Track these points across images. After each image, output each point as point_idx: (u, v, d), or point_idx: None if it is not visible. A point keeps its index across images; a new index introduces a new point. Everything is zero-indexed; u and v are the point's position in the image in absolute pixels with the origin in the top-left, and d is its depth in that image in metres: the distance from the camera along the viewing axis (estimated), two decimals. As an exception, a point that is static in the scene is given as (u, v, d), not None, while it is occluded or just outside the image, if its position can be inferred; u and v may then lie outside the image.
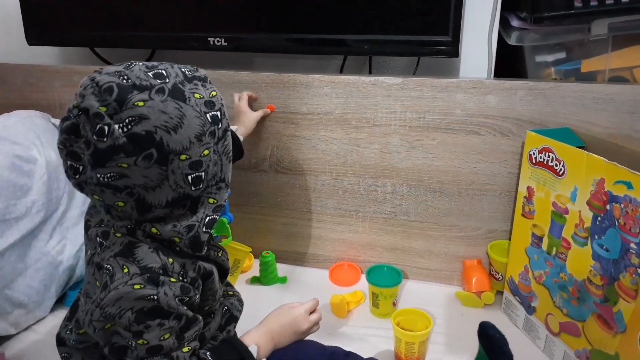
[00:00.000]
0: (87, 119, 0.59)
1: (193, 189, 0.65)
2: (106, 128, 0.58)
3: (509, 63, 1.16)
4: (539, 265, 0.96)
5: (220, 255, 0.79)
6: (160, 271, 0.66)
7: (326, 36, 1.11)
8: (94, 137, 0.59)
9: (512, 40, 1.08)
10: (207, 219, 0.68)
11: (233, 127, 1.10)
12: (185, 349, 0.69)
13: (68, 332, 0.77)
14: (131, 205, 0.64)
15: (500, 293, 1.12)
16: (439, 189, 1.15)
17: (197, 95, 0.64)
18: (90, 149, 0.60)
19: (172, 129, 0.61)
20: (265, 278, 1.22)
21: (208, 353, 0.72)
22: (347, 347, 0.99)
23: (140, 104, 0.59)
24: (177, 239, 0.67)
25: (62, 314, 1.11)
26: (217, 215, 0.69)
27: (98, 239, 0.70)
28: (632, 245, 0.76)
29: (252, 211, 1.29)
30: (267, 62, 1.36)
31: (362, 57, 1.25)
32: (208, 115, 0.65)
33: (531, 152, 0.95)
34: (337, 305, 1.10)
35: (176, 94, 0.62)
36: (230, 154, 0.70)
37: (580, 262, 0.86)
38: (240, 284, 1.23)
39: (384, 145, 1.15)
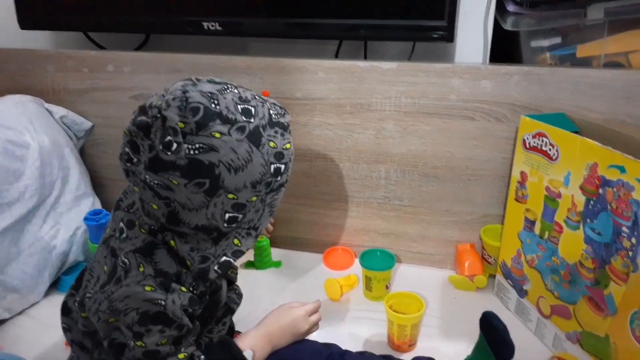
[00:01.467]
0: (162, 127, 0.58)
1: (225, 225, 0.64)
2: (175, 145, 0.58)
3: (505, 48, 1.16)
4: (532, 249, 0.97)
5: (230, 273, 0.81)
6: (174, 278, 0.65)
7: (321, 21, 1.10)
8: (160, 146, 0.58)
9: (507, 25, 1.08)
10: (223, 258, 0.66)
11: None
12: (181, 355, 0.68)
13: (75, 303, 0.76)
14: (163, 213, 0.63)
15: (492, 276, 1.13)
16: (433, 174, 1.15)
17: (272, 144, 0.64)
18: (152, 154, 0.59)
19: (234, 169, 0.60)
20: (259, 262, 1.22)
21: (203, 357, 0.71)
22: (341, 331, 1.01)
23: (217, 135, 0.59)
24: (188, 262, 0.66)
25: (55, 298, 1.11)
26: (234, 259, 0.67)
27: (121, 224, 0.70)
28: (624, 228, 0.76)
29: (247, 196, 1.29)
30: (262, 47, 1.35)
31: (357, 42, 1.25)
32: (272, 167, 0.64)
33: (525, 137, 0.95)
34: (330, 289, 1.11)
35: (254, 137, 0.62)
36: (275, 208, 0.68)
37: (572, 245, 0.87)
38: (235, 268, 1.23)
39: (379, 131, 1.15)
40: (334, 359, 0.77)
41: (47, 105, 1.28)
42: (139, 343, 0.64)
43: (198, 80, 0.63)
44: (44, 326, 1.03)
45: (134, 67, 1.25)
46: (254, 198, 0.64)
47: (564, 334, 0.91)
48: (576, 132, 0.89)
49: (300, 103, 1.16)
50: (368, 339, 1.00)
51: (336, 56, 1.26)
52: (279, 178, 0.65)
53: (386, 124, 1.14)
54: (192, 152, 0.58)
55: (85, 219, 1.14)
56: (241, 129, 0.61)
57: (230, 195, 0.62)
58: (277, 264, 1.24)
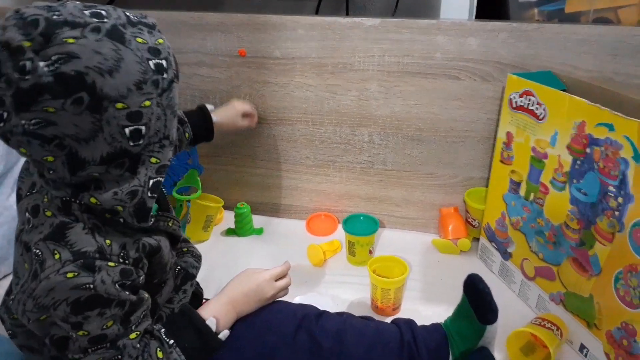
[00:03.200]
0: (9, 55, 0.51)
1: (131, 144, 0.58)
2: (28, 64, 0.51)
3: (491, 4, 1.11)
4: (516, 212, 0.96)
5: (171, 224, 0.73)
6: (97, 255, 0.59)
7: (300, -26, 1.05)
8: (16, 74, 0.51)
9: (494, -21, 1.03)
10: (152, 182, 0.62)
11: (209, 106, 1.03)
12: (132, 335, 0.64)
13: (5, 313, 0.71)
14: (62, 161, 0.57)
15: (476, 240, 1.12)
16: (417, 137, 1.12)
17: (139, 40, 0.57)
18: (12, 89, 0.52)
19: (106, 71, 0.53)
20: (240, 230, 1.20)
21: (163, 330, 0.68)
22: (324, 296, 1.00)
23: (71, 40, 0.52)
24: (119, 208, 0.60)
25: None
26: (162, 177, 0.63)
27: (27, 214, 0.63)
28: (611, 188, 0.75)
29: (226, 162, 1.25)
30: (238, 3, 1.28)
31: (338, -2, 1.19)
32: (151, 63, 0.57)
33: (512, 96, 0.92)
34: (313, 255, 1.09)
35: (114, 35, 0.55)
36: (176, 108, 0.63)
37: (558, 206, 0.85)
38: (215, 235, 1.20)
39: (362, 92, 1.11)
40: (309, 320, 0.75)
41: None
42: (80, 332, 0.60)
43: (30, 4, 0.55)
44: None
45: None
46: (147, 102, 0.58)
47: (548, 295, 0.91)
48: (563, 90, 0.87)
49: (279, 63, 1.11)
50: (352, 304, 0.99)
51: (316, 12, 1.20)
52: (165, 75, 0.59)
53: (369, 85, 1.10)
54: (51, 66, 0.51)
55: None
56: (96, 29, 0.54)
57: (119, 105, 0.55)
58: (259, 231, 1.22)
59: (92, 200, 0.59)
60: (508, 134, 0.95)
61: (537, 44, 0.98)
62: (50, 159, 0.57)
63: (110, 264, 0.60)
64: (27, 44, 0.51)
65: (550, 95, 0.84)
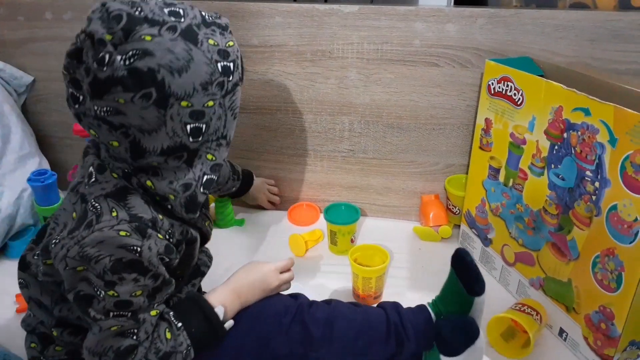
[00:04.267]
0: (91, 45, 0.55)
1: (191, 140, 0.61)
2: (107, 56, 0.54)
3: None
4: (496, 198, 0.96)
5: (207, 224, 0.76)
6: (150, 224, 0.62)
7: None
8: (95, 64, 0.55)
9: (472, -35, 1.02)
10: (205, 178, 0.64)
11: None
12: (153, 312, 0.65)
13: (35, 256, 0.71)
14: (125, 147, 0.60)
15: (457, 227, 1.12)
16: (397, 125, 1.12)
17: (211, 42, 0.60)
18: (90, 77, 0.56)
19: (176, 70, 0.57)
20: (222, 221, 1.18)
21: (172, 313, 0.68)
22: (306, 285, 0.99)
23: (148, 38, 0.55)
24: (172, 196, 0.63)
25: (4, 265, 1.05)
26: (215, 175, 0.65)
27: (91, 169, 0.65)
28: (588, 172, 0.75)
29: (205, 152, 1.23)
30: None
31: (316, -15, 1.18)
32: (219, 65, 0.60)
33: (490, 82, 0.92)
34: (295, 245, 1.08)
35: (188, 35, 0.58)
36: (237, 110, 0.66)
37: (537, 192, 0.86)
38: (195, 227, 1.19)
39: (341, 80, 1.10)
40: (303, 310, 0.75)
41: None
42: (110, 292, 0.61)
43: None
44: (-9, 293, 0.97)
45: (75, 14, 1.14)
46: (210, 103, 0.61)
47: (528, 281, 0.92)
48: (541, 76, 0.87)
49: (257, 51, 1.10)
50: (334, 293, 0.98)
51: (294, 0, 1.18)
52: (230, 77, 0.62)
53: (349, 73, 1.09)
54: (127, 61, 0.55)
55: (29, 179, 1.06)
56: (172, 29, 0.57)
57: (184, 103, 0.58)
58: (240, 222, 1.21)
59: (148, 183, 0.63)
60: (487, 120, 0.95)
61: (515, 30, 0.98)
62: (115, 143, 0.60)
63: (160, 236, 0.63)
64: (108, 37, 0.54)
65: (527, 80, 0.84)
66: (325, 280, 1.01)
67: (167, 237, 0.64)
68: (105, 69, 0.55)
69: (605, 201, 0.73)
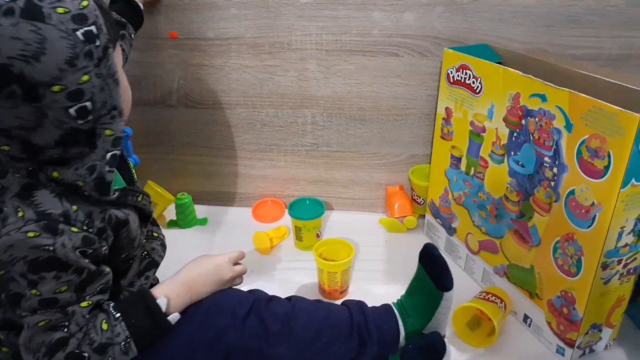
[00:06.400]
0: None
1: (80, 122, 0.57)
2: None
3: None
4: (458, 187, 0.96)
5: (140, 199, 0.70)
6: (61, 219, 0.58)
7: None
8: None
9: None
10: (109, 155, 0.61)
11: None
12: (83, 304, 0.62)
13: None
14: (17, 149, 0.56)
15: (422, 217, 1.12)
16: (360, 117, 1.10)
17: (60, 10, 0.53)
18: None
19: (31, 57, 0.51)
20: (182, 221, 1.15)
21: (112, 304, 0.65)
22: (271, 283, 0.97)
23: None
24: (80, 183, 0.60)
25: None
26: (118, 150, 0.62)
27: None
28: (546, 159, 0.75)
29: (164, 151, 1.20)
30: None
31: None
32: (79, 33, 0.54)
33: (449, 71, 0.91)
34: (259, 242, 1.06)
35: (31, 12, 0.51)
36: (117, 75, 0.59)
37: (498, 179, 0.86)
38: (156, 228, 1.15)
39: (301, 72, 1.08)
40: (260, 305, 0.73)
41: None
42: (33, 291, 0.58)
43: None
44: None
45: None
46: (85, 77, 0.55)
47: (492, 268, 0.92)
48: (499, 63, 0.86)
49: (213, 44, 1.06)
50: (300, 289, 0.97)
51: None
52: (97, 42, 0.56)
53: (308, 65, 1.07)
54: None
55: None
56: (9, 12, 0.50)
57: (56, 88, 0.53)
58: (203, 222, 1.18)
59: (55, 174, 0.59)
60: (447, 109, 0.94)
61: (473, 17, 0.97)
62: (6, 148, 0.57)
63: (74, 229, 0.59)
64: None
65: (485, 68, 0.84)
66: (291, 277, 0.99)
67: (85, 228, 0.60)
68: None
69: (564, 187, 0.73)
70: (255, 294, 0.76)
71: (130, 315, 0.65)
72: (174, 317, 0.68)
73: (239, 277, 0.79)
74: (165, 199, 1.14)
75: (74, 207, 0.60)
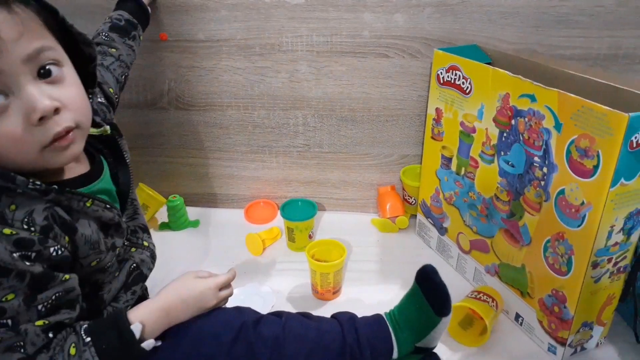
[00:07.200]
0: None
1: None
2: None
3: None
4: (449, 186, 0.96)
5: (89, 205, 0.63)
6: None
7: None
8: None
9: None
10: None
11: None
12: (38, 322, 0.57)
13: None
14: None
15: (414, 217, 1.12)
16: (351, 117, 1.11)
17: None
18: None
19: None
20: (174, 223, 1.15)
21: (85, 327, 0.61)
22: (264, 285, 0.97)
23: None
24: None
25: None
26: None
27: None
28: (536, 158, 0.76)
29: (155, 153, 1.19)
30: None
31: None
32: None
33: (439, 72, 0.92)
34: (252, 244, 1.06)
35: None
36: None
37: (488, 179, 0.86)
38: (148, 231, 1.14)
39: (292, 74, 1.08)
40: (247, 328, 0.69)
41: None
42: None
43: None
44: None
45: None
46: None
47: (484, 268, 0.92)
48: (489, 64, 0.87)
49: (204, 46, 1.06)
50: (292, 291, 0.96)
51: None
52: None
53: (299, 66, 1.07)
54: None
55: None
56: None
57: None
58: (195, 224, 1.17)
59: None
60: (437, 110, 0.95)
61: (462, 18, 0.98)
62: None
63: (6, 231, 0.55)
64: None
65: (475, 68, 0.84)
66: (284, 278, 0.99)
67: (25, 227, 0.56)
68: None
69: (554, 186, 0.73)
70: (243, 315, 0.71)
71: (101, 340, 0.61)
72: (148, 344, 0.64)
73: (223, 301, 0.73)
74: (157, 202, 1.13)
75: (12, 207, 0.56)
